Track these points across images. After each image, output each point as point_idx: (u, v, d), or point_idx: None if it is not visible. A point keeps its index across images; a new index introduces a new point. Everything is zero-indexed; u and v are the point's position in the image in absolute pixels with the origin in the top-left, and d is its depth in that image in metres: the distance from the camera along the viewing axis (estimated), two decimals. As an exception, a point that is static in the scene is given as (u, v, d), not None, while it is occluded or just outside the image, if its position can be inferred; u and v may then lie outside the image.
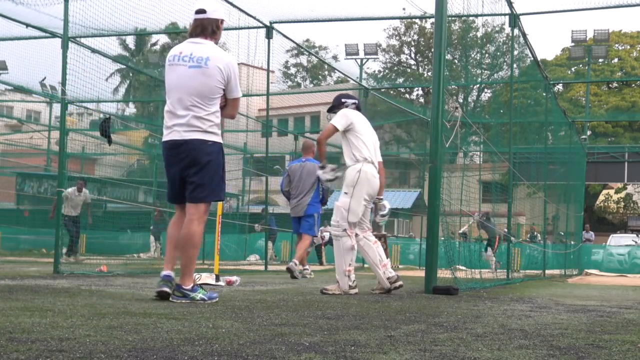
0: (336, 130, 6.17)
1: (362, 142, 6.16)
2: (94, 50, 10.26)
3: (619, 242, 23.70)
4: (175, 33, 35.73)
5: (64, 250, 14.14)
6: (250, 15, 12.17)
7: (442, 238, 7.26)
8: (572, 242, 18.71)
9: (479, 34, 11.59)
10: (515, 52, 11.31)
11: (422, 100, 44.80)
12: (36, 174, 28.84)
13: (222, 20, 4.83)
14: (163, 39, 46.33)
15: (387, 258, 6.48)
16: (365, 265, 12.20)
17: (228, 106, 4.81)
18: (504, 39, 13.72)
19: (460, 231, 14.37)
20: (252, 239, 22.43)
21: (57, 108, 21.11)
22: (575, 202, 19.39)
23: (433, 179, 6.80)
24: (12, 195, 28.93)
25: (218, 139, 4.72)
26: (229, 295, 5.56)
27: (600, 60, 30.93)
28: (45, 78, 19.82)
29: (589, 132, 26.34)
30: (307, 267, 10.15)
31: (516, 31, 10.90)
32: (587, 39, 25.63)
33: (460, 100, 16.28)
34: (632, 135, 34.09)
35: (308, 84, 52.01)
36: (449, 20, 7.35)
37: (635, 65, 36.05)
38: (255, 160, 29.77)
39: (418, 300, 5.65)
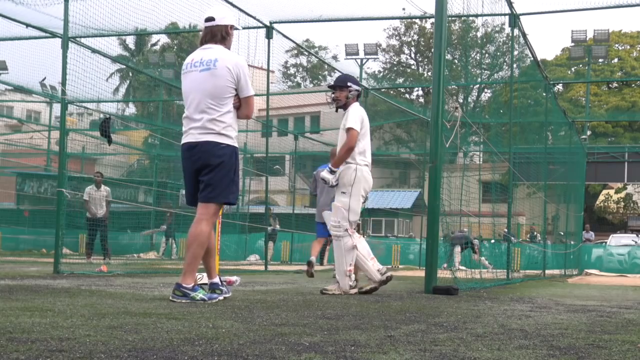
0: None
1: (366, 144, 6.12)
2: (94, 50, 10.26)
3: (619, 242, 23.71)
4: (175, 33, 35.79)
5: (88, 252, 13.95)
6: (250, 15, 12.17)
7: (442, 238, 7.27)
8: (572, 242, 18.71)
9: (479, 34, 11.59)
10: (515, 52, 11.31)
11: (422, 100, 44.81)
12: (36, 174, 28.84)
13: (231, 26, 4.95)
14: (163, 39, 46.38)
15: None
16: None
17: (242, 106, 4.88)
18: (504, 39, 13.73)
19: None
20: (252, 239, 22.45)
21: (57, 108, 21.12)
22: (575, 202, 19.39)
23: (433, 179, 6.80)
24: (12, 195, 28.93)
25: (232, 142, 4.80)
26: (229, 295, 5.56)
27: (600, 60, 30.89)
28: (45, 78, 19.83)
29: (589, 132, 26.32)
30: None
31: (516, 31, 10.90)
32: (587, 39, 25.61)
33: (460, 100, 16.28)
34: (632, 135, 34.10)
35: (308, 84, 52.01)
36: (449, 20, 7.35)
37: (635, 65, 36.06)
38: (255, 160, 29.76)
39: (418, 300, 5.65)
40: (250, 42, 13.88)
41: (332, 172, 6.10)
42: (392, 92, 38.99)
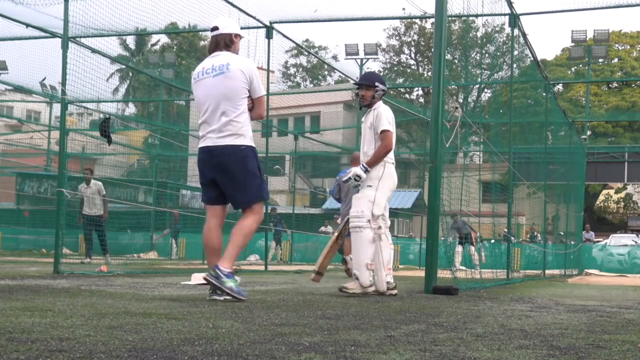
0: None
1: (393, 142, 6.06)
2: (94, 50, 10.26)
3: (619, 242, 23.71)
4: (175, 33, 35.79)
5: (85, 252, 13.75)
6: (250, 15, 12.17)
7: (442, 238, 7.26)
8: (572, 242, 18.72)
9: (479, 34, 11.58)
10: (515, 52, 11.31)
11: (422, 100, 44.81)
12: (36, 174, 28.84)
13: (235, 34, 5.13)
14: (163, 39, 46.38)
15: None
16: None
17: (255, 106, 5.04)
18: (504, 39, 13.71)
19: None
20: (252, 239, 22.42)
21: (57, 108, 21.12)
22: (575, 202, 19.39)
23: (433, 179, 6.80)
24: (12, 195, 28.94)
25: (249, 142, 4.94)
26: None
27: (600, 60, 30.92)
28: (45, 78, 19.83)
29: (589, 132, 26.34)
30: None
31: (516, 31, 10.90)
32: (587, 39, 25.63)
33: (460, 100, 16.27)
34: (632, 135, 34.11)
35: (308, 84, 52.02)
36: (449, 20, 7.35)
37: (635, 65, 36.07)
38: (255, 160, 29.73)
39: (418, 300, 5.65)
40: (250, 42, 13.87)
41: (366, 170, 5.92)
42: (392, 92, 38.97)
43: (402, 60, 47.54)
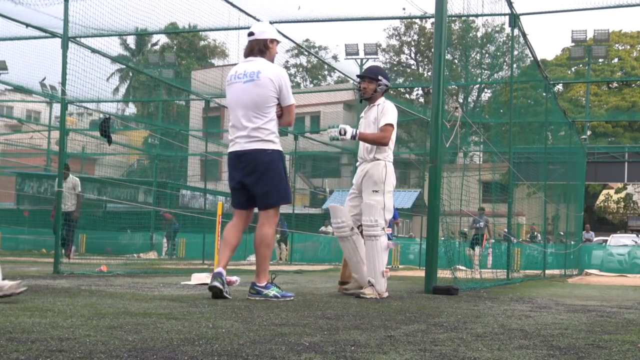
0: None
1: (393, 141, 6.01)
2: (94, 50, 10.26)
3: (619, 242, 23.71)
4: (175, 33, 35.78)
5: (63, 251, 13.73)
6: (250, 15, 12.17)
7: (442, 238, 7.25)
8: (572, 242, 18.71)
9: (479, 34, 11.58)
10: (515, 52, 11.30)
11: (422, 100, 44.81)
12: (36, 174, 28.84)
13: (271, 40, 5.25)
14: (163, 39, 46.39)
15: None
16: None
17: (284, 114, 5.19)
18: (504, 39, 13.71)
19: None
20: (252, 239, 22.41)
21: (57, 108, 21.11)
22: (575, 202, 19.39)
23: (433, 179, 6.80)
24: (12, 195, 28.94)
25: (276, 147, 5.13)
26: (229, 295, 5.56)
27: (600, 60, 30.93)
28: (45, 78, 19.84)
29: (589, 132, 26.33)
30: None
31: (516, 31, 10.90)
32: (587, 39, 25.62)
33: (460, 100, 16.27)
34: (632, 135, 34.11)
35: (308, 84, 52.01)
36: (449, 20, 7.34)
37: (635, 65, 36.07)
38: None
39: (418, 300, 5.65)
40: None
41: (353, 137, 5.85)
42: (392, 92, 38.99)
43: (402, 60, 47.54)
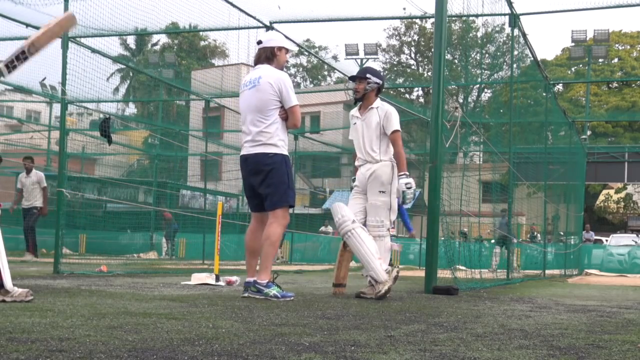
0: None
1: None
2: (94, 50, 10.26)
3: (619, 242, 23.71)
4: (176, 33, 35.78)
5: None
6: (250, 15, 12.17)
7: (442, 238, 7.25)
8: (572, 242, 18.71)
9: (479, 34, 11.58)
10: (515, 52, 11.30)
11: (422, 100, 44.80)
12: (36, 174, 28.72)
13: (279, 47, 5.43)
14: (163, 39, 46.38)
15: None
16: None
17: (289, 116, 5.33)
18: (504, 39, 13.71)
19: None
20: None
21: (57, 108, 21.10)
22: (575, 202, 19.39)
23: (433, 179, 6.80)
24: (12, 195, 28.90)
25: (280, 150, 5.28)
26: (229, 295, 5.57)
27: (600, 60, 30.93)
28: (45, 78, 19.81)
29: (589, 132, 26.32)
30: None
31: (516, 31, 10.90)
32: (587, 39, 25.62)
33: (460, 100, 16.27)
34: (632, 135, 34.09)
35: (308, 84, 52.01)
36: (449, 20, 7.34)
37: (635, 65, 36.06)
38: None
39: (418, 300, 5.64)
40: (251, 42, 13.88)
41: (407, 175, 5.90)
42: (392, 92, 38.99)
43: (402, 60, 47.52)
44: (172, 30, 23.38)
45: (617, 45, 36.75)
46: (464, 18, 10.18)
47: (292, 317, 3.82)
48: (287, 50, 5.50)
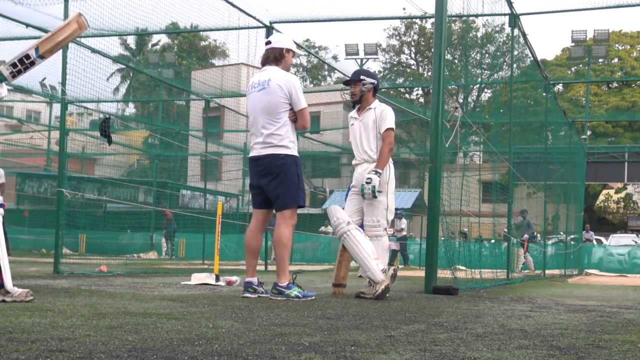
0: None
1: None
2: (94, 50, 10.27)
3: (619, 242, 23.71)
4: (176, 33, 35.77)
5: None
6: (250, 15, 12.17)
7: (442, 238, 7.25)
8: (572, 242, 18.71)
9: (479, 34, 11.58)
10: (515, 52, 11.30)
11: (422, 100, 44.79)
12: (36, 174, 28.84)
13: (287, 49, 5.46)
14: (164, 39, 46.37)
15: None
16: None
17: (298, 118, 5.35)
18: (504, 39, 13.71)
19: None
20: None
21: (57, 108, 21.11)
22: (575, 202, 19.39)
23: (433, 179, 6.80)
24: (12, 195, 28.93)
25: (290, 152, 5.32)
26: (229, 295, 5.57)
27: (600, 60, 30.92)
28: (45, 78, 19.83)
29: (589, 132, 26.33)
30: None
31: (516, 31, 10.90)
32: (587, 39, 25.64)
33: (460, 100, 16.27)
34: (632, 135, 34.09)
35: (308, 84, 52.00)
36: (449, 20, 7.34)
37: (635, 65, 36.05)
38: (255, 160, 29.72)
39: (418, 300, 5.64)
40: (250, 42, 13.88)
41: (379, 174, 5.79)
42: (392, 92, 38.98)
43: (402, 60, 47.51)
44: (172, 30, 23.38)
45: (617, 45, 36.74)
46: (464, 18, 10.18)
47: (292, 317, 3.82)
48: (294, 54, 5.52)
